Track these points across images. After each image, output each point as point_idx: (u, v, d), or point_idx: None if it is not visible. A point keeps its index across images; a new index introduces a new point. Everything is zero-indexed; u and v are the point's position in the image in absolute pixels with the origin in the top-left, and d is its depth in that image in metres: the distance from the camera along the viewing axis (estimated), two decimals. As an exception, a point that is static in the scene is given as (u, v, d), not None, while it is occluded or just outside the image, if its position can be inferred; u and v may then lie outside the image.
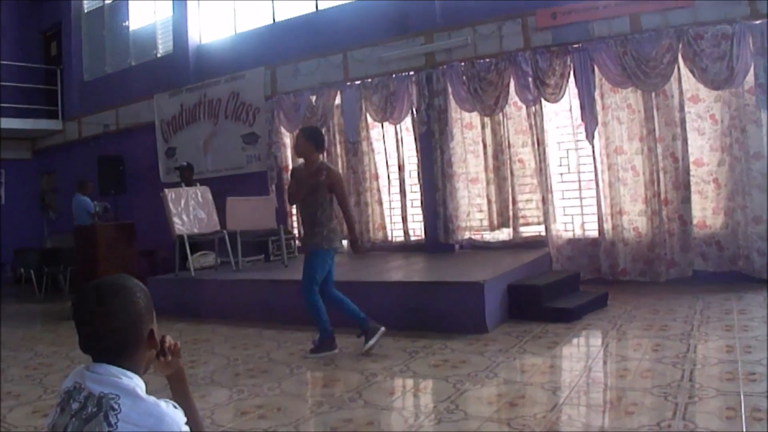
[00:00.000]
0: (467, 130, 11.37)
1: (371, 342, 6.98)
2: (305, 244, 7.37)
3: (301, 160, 7.38)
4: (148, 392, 1.94)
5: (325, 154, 7.59)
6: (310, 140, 7.14)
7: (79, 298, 1.99)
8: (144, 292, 2.03)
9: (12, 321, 11.32)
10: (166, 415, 1.87)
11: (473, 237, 11.41)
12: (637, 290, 9.34)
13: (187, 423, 1.95)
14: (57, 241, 16.35)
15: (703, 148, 9.56)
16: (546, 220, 10.53)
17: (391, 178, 12.31)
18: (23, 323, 11.04)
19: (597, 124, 10.07)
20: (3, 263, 17.05)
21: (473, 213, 11.38)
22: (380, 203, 12.35)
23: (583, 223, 10.58)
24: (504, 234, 11.16)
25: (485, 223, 11.29)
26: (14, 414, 5.81)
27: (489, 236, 11.32)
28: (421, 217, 11.91)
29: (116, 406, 1.83)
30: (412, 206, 12.06)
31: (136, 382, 1.92)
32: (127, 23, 16.99)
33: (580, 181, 10.58)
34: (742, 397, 4.73)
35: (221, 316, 9.26)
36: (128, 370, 1.94)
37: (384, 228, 12.32)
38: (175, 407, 1.95)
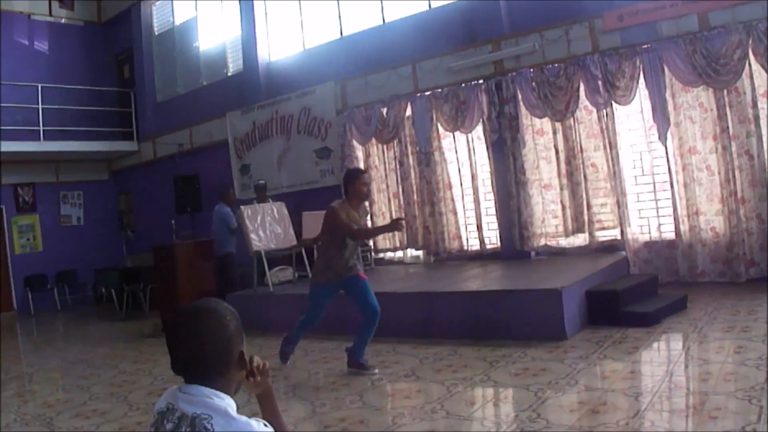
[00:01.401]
0: (539, 137, 11.31)
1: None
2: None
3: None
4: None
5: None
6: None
7: (170, 321, 2.08)
8: (234, 316, 2.11)
9: (94, 339, 11.69)
10: (257, 434, 1.94)
11: (549, 243, 11.35)
12: (717, 291, 9.16)
13: (276, 440, 2.02)
14: (136, 259, 16.76)
15: (779, 144, 9.36)
16: (621, 224, 10.41)
17: (464, 187, 12.32)
18: (106, 341, 11.39)
19: (669, 124, 9.94)
20: (84, 282, 17.53)
21: (548, 219, 11.30)
22: (455, 212, 12.34)
23: (659, 225, 10.42)
24: (580, 239, 11.06)
25: (560, 228, 11.19)
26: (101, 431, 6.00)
27: (565, 242, 11.24)
28: (495, 225, 11.89)
29: (209, 426, 1.91)
30: (486, 214, 12.04)
31: (227, 402, 2.00)
32: (197, 44, 17.40)
33: (654, 182, 10.43)
34: (830, 399, 4.64)
35: (300, 330, 9.34)
36: (219, 390, 2.02)
37: (459, 237, 12.32)
38: (266, 425, 2.02)
